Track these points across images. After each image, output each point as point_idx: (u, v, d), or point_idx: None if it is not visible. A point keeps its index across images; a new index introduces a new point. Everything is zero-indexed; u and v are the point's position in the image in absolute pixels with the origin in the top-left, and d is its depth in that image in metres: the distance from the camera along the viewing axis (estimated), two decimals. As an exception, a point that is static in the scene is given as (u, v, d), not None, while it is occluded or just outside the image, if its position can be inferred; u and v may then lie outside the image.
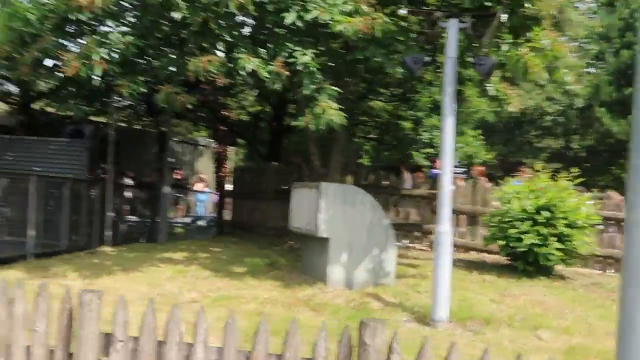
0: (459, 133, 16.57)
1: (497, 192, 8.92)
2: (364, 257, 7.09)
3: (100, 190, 9.86)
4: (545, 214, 7.80)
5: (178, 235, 12.88)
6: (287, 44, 7.29)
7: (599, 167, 24.47)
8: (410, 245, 10.07)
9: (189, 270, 7.33)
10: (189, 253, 8.28)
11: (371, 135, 15.83)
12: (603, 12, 21.89)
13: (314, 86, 6.96)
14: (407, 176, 10.78)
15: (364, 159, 17.91)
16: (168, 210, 19.08)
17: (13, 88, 13.08)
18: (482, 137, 17.44)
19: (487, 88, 10.88)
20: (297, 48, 7.30)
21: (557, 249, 7.71)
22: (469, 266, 8.45)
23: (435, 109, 13.05)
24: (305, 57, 7.20)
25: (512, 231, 7.92)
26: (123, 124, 13.51)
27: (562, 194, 8.04)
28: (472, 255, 9.47)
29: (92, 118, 12.72)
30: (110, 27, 6.96)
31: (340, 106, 6.86)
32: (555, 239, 7.72)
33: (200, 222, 15.45)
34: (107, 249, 8.76)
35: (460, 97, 11.67)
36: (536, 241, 7.71)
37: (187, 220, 15.94)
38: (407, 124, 13.63)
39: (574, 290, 7.46)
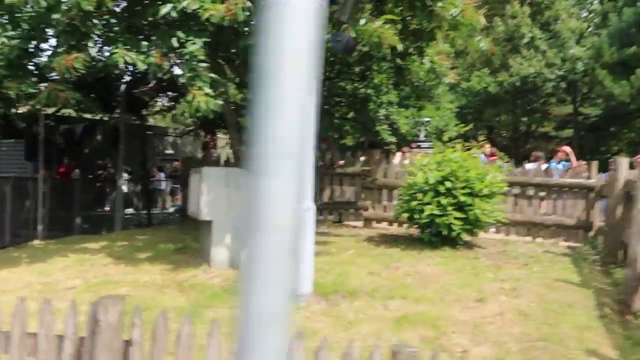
0: (436, 108, 16.44)
1: (409, 165, 8.90)
2: (249, 237, 7.25)
3: (49, 185, 10.36)
4: (447, 184, 7.78)
5: (138, 226, 13.32)
6: (178, 33, 7.49)
7: (614, 133, 23.69)
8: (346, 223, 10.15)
9: (92, 258, 7.67)
10: (110, 242, 8.63)
11: (349, 116, 15.87)
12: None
13: (191, 74, 7.15)
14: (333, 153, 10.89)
15: (347, 139, 17.97)
16: (165, 201, 19.65)
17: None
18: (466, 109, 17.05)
19: (424, 61, 10.83)
20: (189, 38, 7.51)
21: (458, 219, 7.67)
22: (382, 240, 8.50)
23: (393, 85, 12.97)
24: (194, 45, 7.42)
25: (414, 203, 7.94)
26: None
27: (466, 164, 7.99)
28: (394, 229, 9.51)
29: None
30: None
31: (211, 92, 7.02)
32: (454, 208, 7.68)
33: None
34: (36, 242, 9.24)
35: (402, 71, 11.62)
36: (436, 212, 7.70)
37: (172, 210, 16.41)
38: (371, 104, 13.61)
39: (470, 259, 7.42)
